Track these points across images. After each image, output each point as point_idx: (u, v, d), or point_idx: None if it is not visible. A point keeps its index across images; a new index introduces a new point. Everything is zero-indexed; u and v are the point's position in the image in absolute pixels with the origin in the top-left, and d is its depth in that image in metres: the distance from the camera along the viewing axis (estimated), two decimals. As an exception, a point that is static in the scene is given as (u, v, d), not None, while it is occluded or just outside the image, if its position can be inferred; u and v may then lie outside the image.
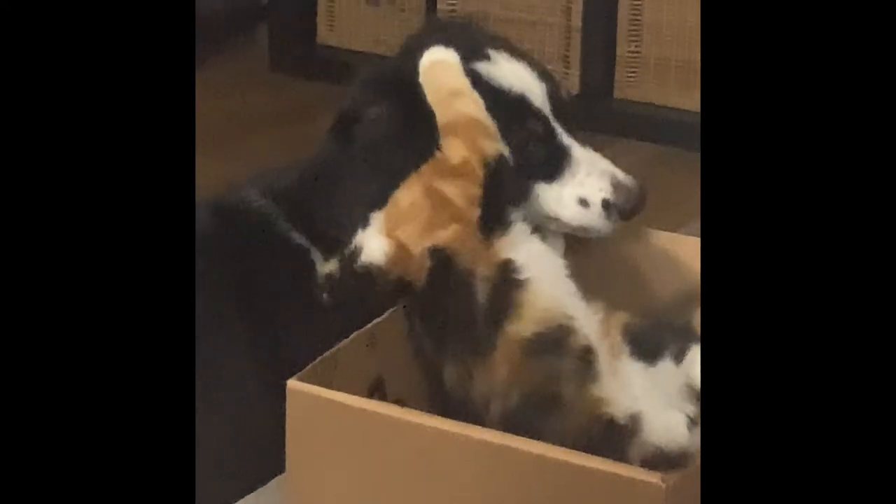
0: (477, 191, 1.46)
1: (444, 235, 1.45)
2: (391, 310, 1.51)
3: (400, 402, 1.46)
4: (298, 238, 1.66)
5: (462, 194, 1.46)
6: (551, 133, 1.61)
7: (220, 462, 1.59)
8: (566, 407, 1.39)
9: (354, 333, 1.46)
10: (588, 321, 1.45)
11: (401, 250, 1.46)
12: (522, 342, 1.41)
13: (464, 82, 1.54)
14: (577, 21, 3.31)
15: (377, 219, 1.49)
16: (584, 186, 1.60)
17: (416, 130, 1.55)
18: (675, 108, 3.15)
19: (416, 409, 1.42)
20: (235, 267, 1.66)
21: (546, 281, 1.45)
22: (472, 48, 1.63)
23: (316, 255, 1.63)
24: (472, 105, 1.52)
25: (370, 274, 1.47)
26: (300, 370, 1.40)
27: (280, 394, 1.44)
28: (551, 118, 1.62)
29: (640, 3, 3.27)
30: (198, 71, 3.84)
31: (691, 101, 3.14)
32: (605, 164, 1.62)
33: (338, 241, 1.56)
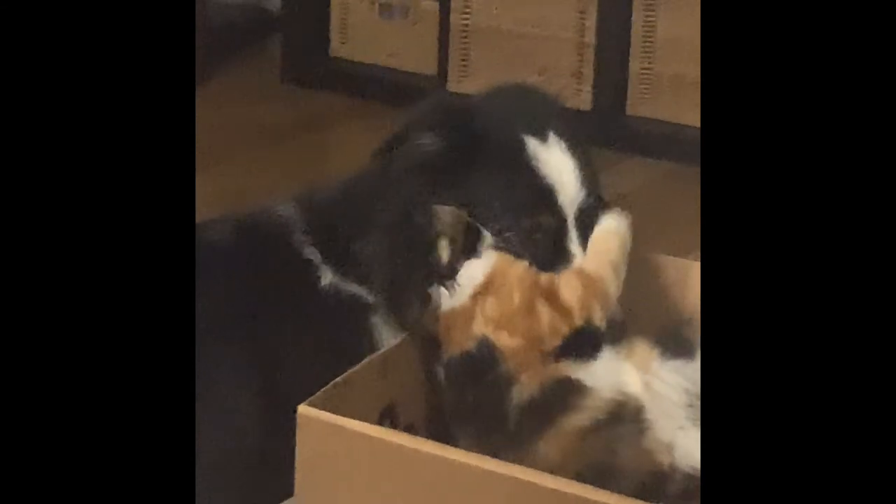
0: (565, 331, 1.47)
1: (502, 340, 1.46)
2: (402, 336, 1.50)
3: (411, 427, 1.46)
4: (309, 252, 1.65)
5: (551, 325, 1.47)
6: (562, 234, 1.61)
7: (219, 479, 1.58)
8: (621, 471, 1.40)
9: (367, 359, 1.45)
10: (631, 378, 1.46)
11: (471, 306, 1.48)
12: (581, 430, 1.42)
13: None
14: (590, 37, 3.30)
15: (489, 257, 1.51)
16: None
17: (453, 170, 1.56)
18: (688, 125, 3.14)
19: (426, 435, 1.41)
20: (246, 281, 1.66)
21: (603, 374, 1.46)
22: (534, 121, 1.63)
23: (323, 271, 1.63)
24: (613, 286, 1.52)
25: (450, 278, 1.49)
26: (298, 390, 1.40)
27: (276, 414, 1.42)
28: (570, 221, 1.61)
29: (653, 19, 3.26)
30: (209, 81, 3.84)
31: (704, 118, 3.12)
32: None
33: (350, 259, 1.55)
